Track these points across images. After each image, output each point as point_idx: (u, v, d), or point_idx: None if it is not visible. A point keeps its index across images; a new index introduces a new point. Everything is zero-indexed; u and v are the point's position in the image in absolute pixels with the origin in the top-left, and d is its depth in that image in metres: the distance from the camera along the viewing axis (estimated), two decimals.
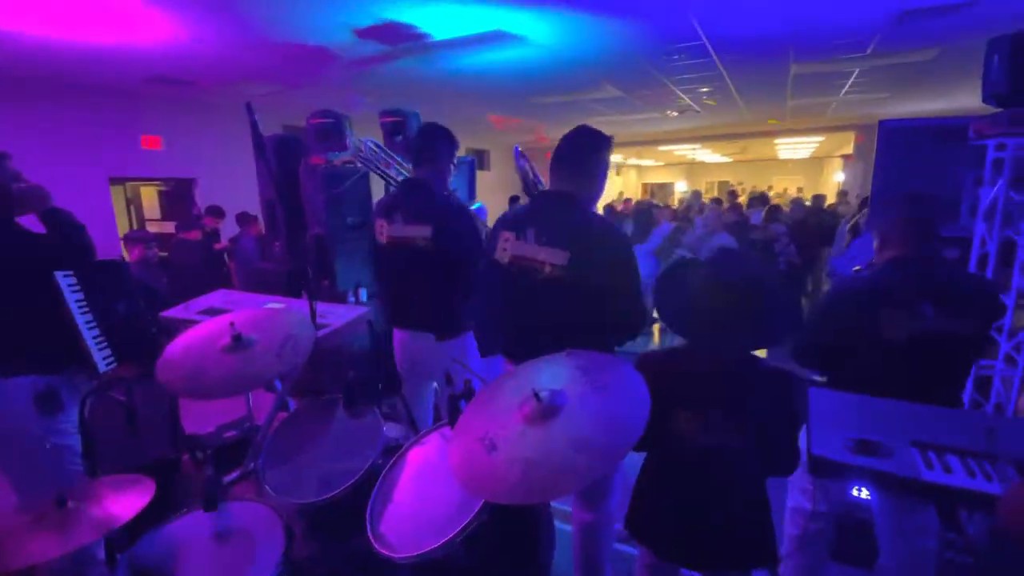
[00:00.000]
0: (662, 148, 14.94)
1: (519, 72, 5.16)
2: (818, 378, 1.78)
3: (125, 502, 1.15)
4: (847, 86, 6.32)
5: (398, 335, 2.15)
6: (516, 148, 2.20)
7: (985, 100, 2.17)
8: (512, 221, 1.65)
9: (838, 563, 2.14)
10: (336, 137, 3.60)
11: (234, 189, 6.93)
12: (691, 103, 7.47)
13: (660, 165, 21.23)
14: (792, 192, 15.98)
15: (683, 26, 3.88)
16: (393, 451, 1.43)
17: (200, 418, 2.90)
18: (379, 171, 2.90)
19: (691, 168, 21.20)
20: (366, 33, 3.85)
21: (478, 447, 0.93)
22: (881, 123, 2.53)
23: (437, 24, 3.69)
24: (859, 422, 1.24)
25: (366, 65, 4.68)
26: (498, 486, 0.84)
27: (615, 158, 17.88)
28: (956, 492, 1.02)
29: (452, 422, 1.19)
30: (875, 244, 1.66)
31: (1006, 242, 2.27)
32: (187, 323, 2.36)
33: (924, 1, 3.46)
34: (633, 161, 19.69)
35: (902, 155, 2.45)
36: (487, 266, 1.70)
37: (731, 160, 19.07)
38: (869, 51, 4.69)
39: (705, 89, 6.41)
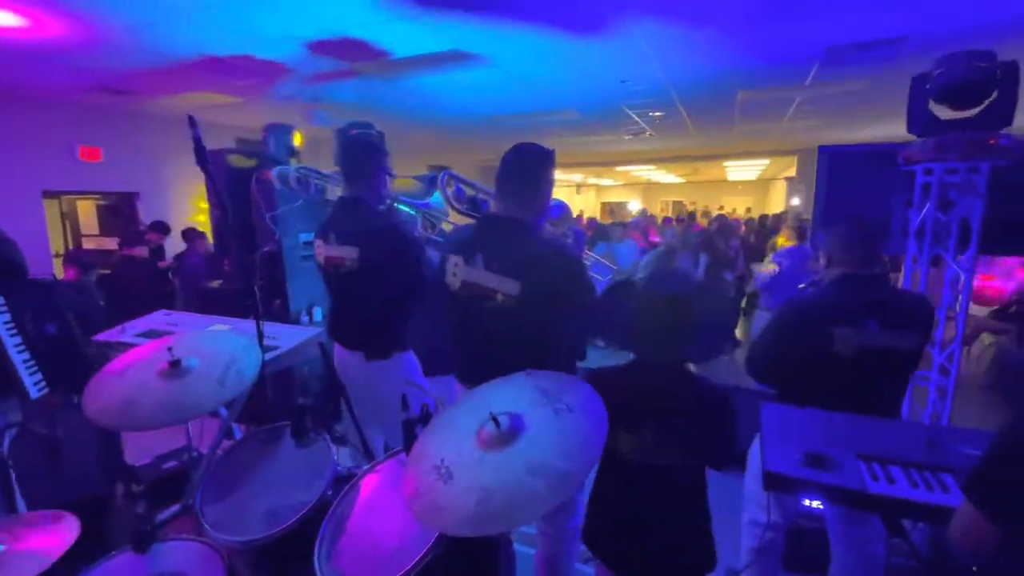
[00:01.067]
0: (620, 169, 15.42)
1: (481, 91, 5.21)
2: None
3: (46, 542, 1.04)
4: (789, 113, 6.72)
5: (336, 352, 2.08)
6: (443, 175, 2.10)
7: (909, 130, 2.35)
8: (459, 244, 1.61)
9: (791, 572, 2.19)
10: (287, 150, 3.52)
11: (180, 204, 6.63)
12: (645, 126, 7.74)
13: (619, 185, 21.96)
14: (741, 211, 16.74)
15: (638, 55, 4.03)
16: (345, 481, 1.36)
17: (139, 448, 2.70)
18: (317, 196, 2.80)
19: (647, 188, 22.01)
20: (320, 48, 3.80)
21: (433, 476, 0.89)
22: (820, 148, 2.68)
23: (395, 42, 3.69)
24: (808, 436, 1.27)
25: (323, 79, 4.62)
26: (453, 517, 0.80)
27: (576, 177, 18.46)
28: (900, 503, 1.06)
29: (407, 448, 1.14)
30: (822, 262, 1.75)
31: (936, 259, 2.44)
32: (123, 347, 2.20)
33: (854, 38, 3.74)
34: (593, 180, 20.27)
35: (840, 178, 2.60)
36: (437, 289, 1.66)
37: (684, 181, 19.90)
38: (808, 81, 5.01)
39: (658, 113, 6.66)
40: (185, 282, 5.06)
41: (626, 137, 8.99)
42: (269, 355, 1.83)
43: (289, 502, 1.32)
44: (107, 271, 4.68)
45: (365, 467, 1.41)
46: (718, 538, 1.33)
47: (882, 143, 2.72)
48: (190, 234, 5.35)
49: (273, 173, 2.53)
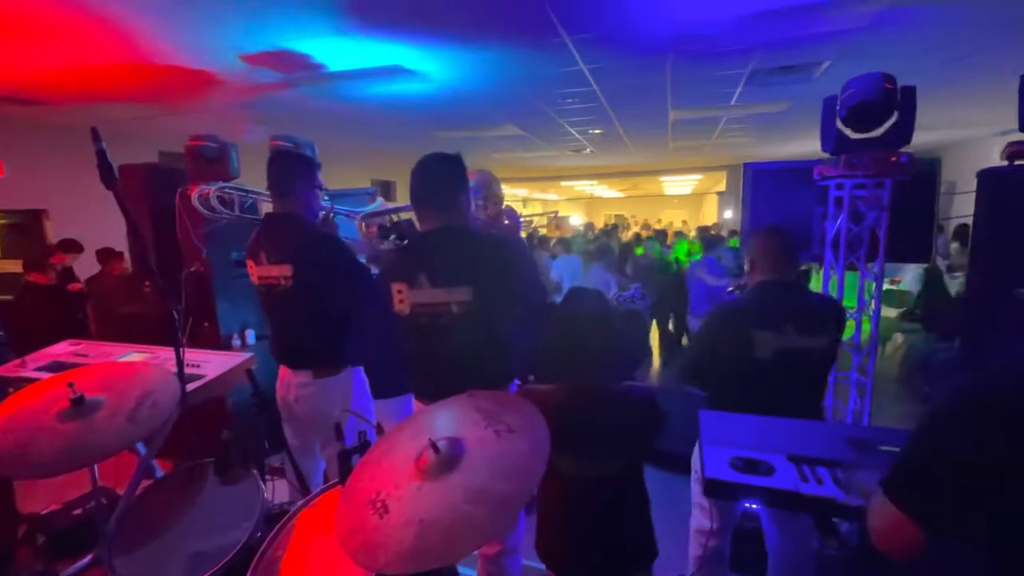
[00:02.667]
0: (564, 184, 15.80)
1: (421, 106, 5.18)
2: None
3: None
4: (718, 131, 7.14)
5: (281, 374, 1.97)
6: (360, 220, 2.00)
7: (823, 149, 2.55)
8: (397, 271, 1.58)
9: (737, 574, 2.26)
10: (220, 164, 3.32)
11: (95, 222, 6.10)
12: (585, 143, 7.98)
13: (563, 199, 22.48)
14: (678, 223, 17.55)
15: (573, 71, 4.15)
16: (278, 518, 1.27)
17: (45, 492, 2.42)
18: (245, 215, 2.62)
19: (591, 202, 22.68)
20: (255, 59, 3.65)
21: (368, 510, 0.84)
22: (746, 165, 2.86)
23: (331, 55, 3.60)
24: (743, 440, 1.32)
25: (257, 92, 4.43)
26: (389, 555, 0.75)
27: (521, 191, 18.74)
28: (829, 502, 1.12)
29: (343, 480, 1.08)
30: (747, 269, 1.86)
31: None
32: (23, 382, 1.97)
33: (774, 63, 4.03)
34: (538, 195, 20.65)
35: (764, 192, 2.78)
36: (385, 317, 1.62)
37: (625, 195, 20.68)
38: (733, 102, 5.35)
39: (597, 131, 6.89)
40: (98, 307, 4.64)
41: (568, 153, 9.22)
42: (192, 385, 1.69)
43: (214, 546, 1.21)
44: (8, 297, 4.22)
45: (300, 502, 1.32)
46: (671, 540, 1.39)
47: (802, 160, 2.93)
48: (104, 254, 4.94)
49: (194, 195, 2.37)
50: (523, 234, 2.10)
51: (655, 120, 6.32)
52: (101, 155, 1.20)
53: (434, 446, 0.88)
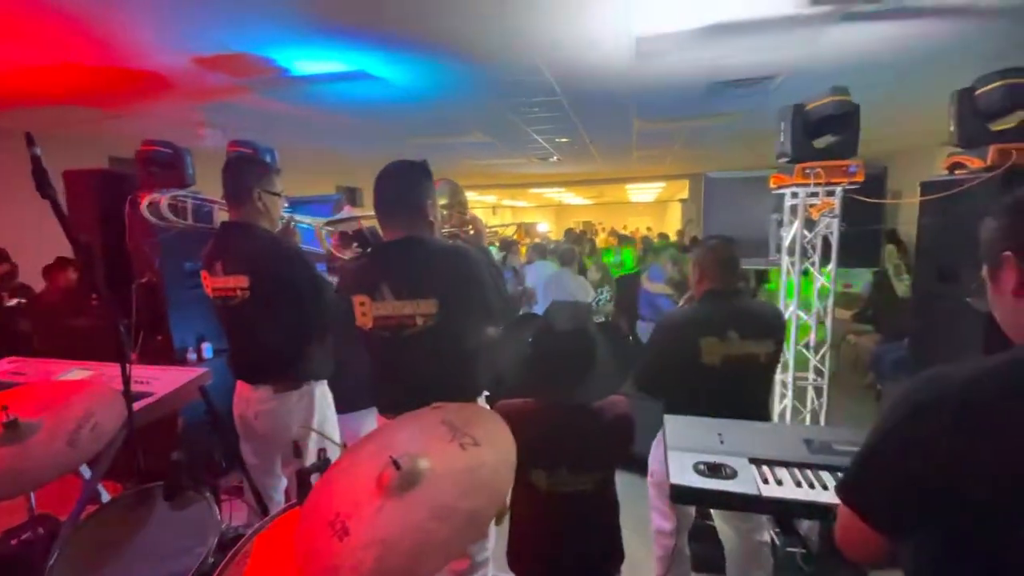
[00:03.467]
0: (532, 191, 15.93)
1: (387, 112, 5.12)
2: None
3: None
4: (680, 141, 7.34)
5: (239, 391, 1.90)
6: (324, 230, 1.96)
7: (778, 158, 2.65)
8: (358, 283, 1.54)
9: (700, 573, 2.30)
10: (174, 170, 3.19)
11: (40, 231, 5.75)
12: (552, 151, 8.06)
13: (532, 206, 22.66)
14: (643, 230, 17.93)
15: (538, 81, 4.20)
16: (234, 542, 1.21)
17: None
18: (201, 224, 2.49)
19: (559, 209, 22.93)
20: (210, 63, 3.53)
21: (327, 533, 0.81)
22: (706, 175, 2.94)
23: (292, 59, 3.53)
24: (705, 444, 1.34)
25: (214, 96, 4.29)
26: None
27: (490, 198, 18.78)
28: (789, 503, 1.15)
29: (301, 501, 1.04)
30: (695, 279, 1.92)
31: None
32: None
33: (732, 76, 4.18)
34: (508, 202, 20.74)
35: (723, 201, 2.87)
36: (347, 330, 1.58)
37: (592, 203, 21.01)
38: (694, 114, 5.51)
39: (563, 139, 6.97)
40: (41, 321, 4.37)
41: (535, 160, 9.30)
42: (140, 404, 1.60)
43: (164, 574, 1.14)
44: None
45: (257, 525, 1.26)
46: (637, 540, 1.40)
47: (758, 170, 3.04)
48: (50, 265, 4.67)
49: (143, 203, 2.27)
50: (490, 243, 2.09)
51: (620, 130, 6.44)
52: (36, 161, 1.13)
53: (395, 463, 0.86)
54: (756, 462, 1.27)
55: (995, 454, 0.66)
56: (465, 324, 1.49)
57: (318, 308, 1.75)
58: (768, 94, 4.56)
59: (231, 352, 1.90)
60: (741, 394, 1.81)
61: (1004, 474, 0.65)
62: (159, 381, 1.83)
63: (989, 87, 2.01)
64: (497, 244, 6.68)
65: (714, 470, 1.23)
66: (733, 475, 1.22)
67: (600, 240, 13.10)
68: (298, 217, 1.98)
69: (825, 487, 1.17)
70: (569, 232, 10.88)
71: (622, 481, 1.40)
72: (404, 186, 1.53)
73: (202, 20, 2.84)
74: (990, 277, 0.81)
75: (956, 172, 2.29)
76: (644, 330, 4.93)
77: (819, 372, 2.76)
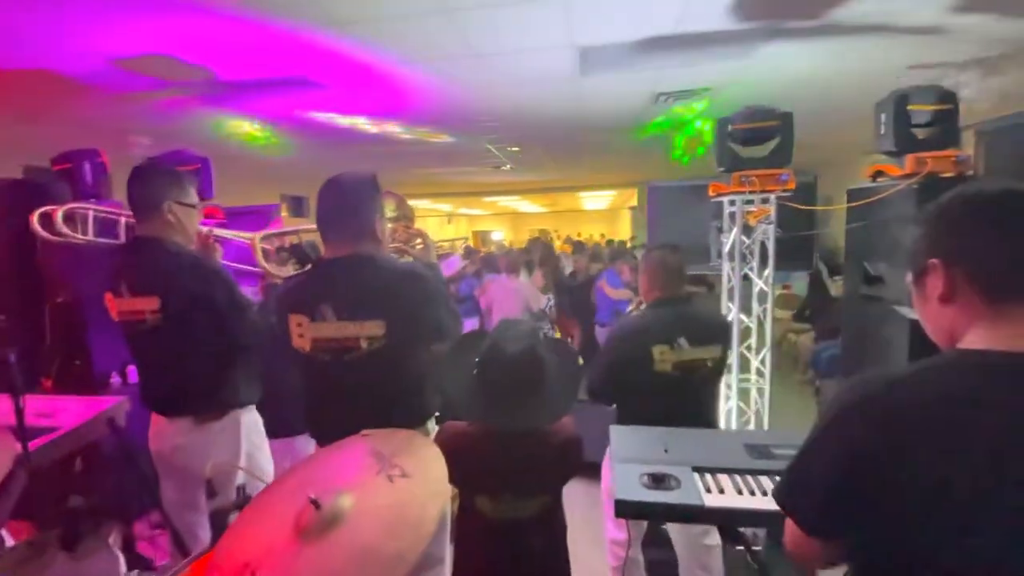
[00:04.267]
0: (487, 199, 15.91)
1: (330, 119, 4.97)
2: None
3: None
4: (628, 150, 7.52)
5: (154, 423, 1.74)
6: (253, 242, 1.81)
7: (717, 167, 2.74)
8: (295, 301, 1.43)
9: None
10: (91, 182, 2.96)
11: None
12: (505, 160, 8.08)
13: (488, 214, 22.67)
14: (596, 237, 18.28)
15: (491, 92, 4.18)
16: None
17: None
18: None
19: (515, 217, 23.06)
20: (133, 65, 3.30)
21: None
22: (648, 184, 3.00)
23: (223, 62, 3.35)
24: (650, 454, 1.33)
25: (140, 101, 4.02)
26: None
27: (445, 207, 18.62)
28: (733, 512, 1.15)
29: (212, 547, 0.94)
30: (645, 286, 1.94)
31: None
32: None
33: (671, 88, 4.31)
34: (463, 211, 20.66)
35: (667, 209, 2.94)
36: (278, 352, 1.47)
37: (547, 210, 21.26)
38: (639, 123, 5.65)
39: (515, 148, 7.00)
40: None
41: (488, 169, 9.29)
42: (39, 440, 1.43)
43: None
44: None
45: (175, 567, 1.14)
46: (589, 545, 1.36)
47: (700, 178, 3.13)
48: None
49: (33, 218, 2.06)
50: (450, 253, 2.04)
51: (569, 139, 6.53)
52: None
53: (315, 503, 0.79)
54: (700, 470, 1.27)
55: (918, 458, 0.67)
56: (414, 347, 1.41)
57: (240, 329, 1.62)
58: (708, 106, 4.73)
59: (142, 382, 1.73)
60: (691, 400, 1.85)
61: (927, 479, 0.66)
62: (65, 413, 1.65)
63: (924, 107, 2.16)
64: (461, 252, 6.63)
65: (659, 481, 1.21)
66: (677, 486, 1.21)
67: (557, 248, 13.24)
68: (218, 232, 1.83)
69: (765, 493, 1.18)
70: (535, 240, 10.91)
71: (578, 489, 1.37)
72: (351, 200, 1.43)
73: (121, 20, 2.65)
74: (916, 284, 0.82)
75: (878, 180, 2.42)
76: (604, 336, 5.00)
77: (760, 374, 2.86)
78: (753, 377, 2.87)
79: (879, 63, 3.53)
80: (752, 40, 3.11)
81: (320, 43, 3.09)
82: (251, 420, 1.75)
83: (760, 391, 2.86)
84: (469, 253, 6.95)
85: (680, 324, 1.81)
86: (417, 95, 4.24)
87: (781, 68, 3.77)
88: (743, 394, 2.94)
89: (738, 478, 1.24)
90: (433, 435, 1.38)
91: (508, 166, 8.85)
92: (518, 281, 5.50)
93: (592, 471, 2.48)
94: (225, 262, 1.78)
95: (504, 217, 23.11)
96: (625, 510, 1.18)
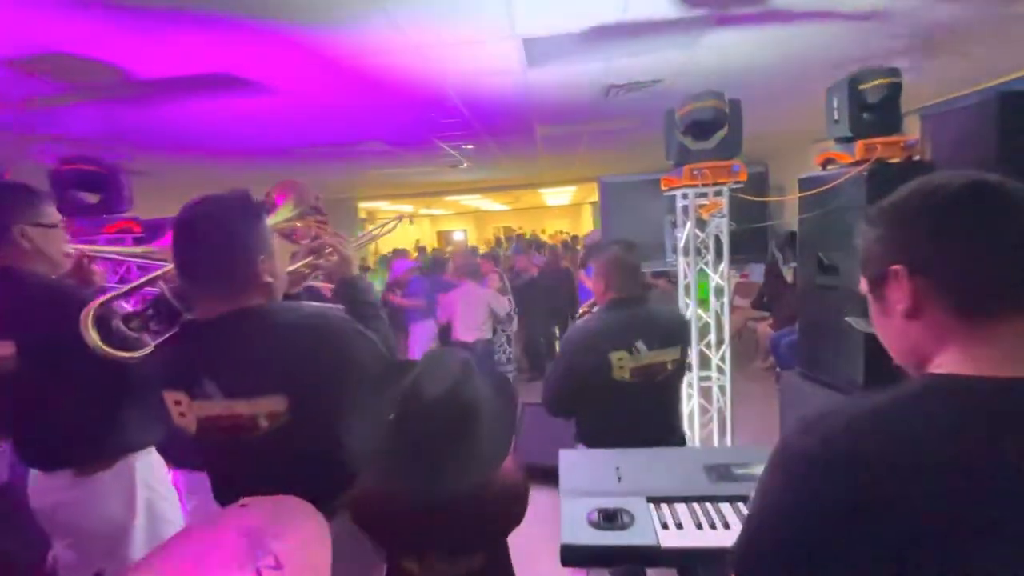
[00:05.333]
0: (449, 198, 15.62)
1: (268, 120, 4.66)
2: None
3: None
4: (584, 146, 7.45)
5: (31, 481, 1.49)
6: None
7: (667, 159, 2.64)
8: (170, 375, 1.15)
9: None
10: None
11: None
12: (460, 158, 7.88)
13: (451, 214, 22.37)
14: (561, 234, 18.29)
15: (435, 89, 3.99)
16: None
17: None
18: None
19: (478, 216, 22.85)
20: (30, 66, 2.96)
21: None
22: (599, 179, 2.89)
23: (137, 60, 3.04)
24: (602, 484, 1.20)
25: (41, 105, 3.64)
26: None
27: (407, 207, 18.17)
28: (690, 553, 1.02)
29: None
30: (600, 287, 1.81)
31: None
32: None
33: (622, 80, 4.22)
34: (425, 211, 20.28)
35: (619, 205, 2.83)
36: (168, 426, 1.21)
37: (510, 208, 21.15)
38: (593, 118, 5.57)
39: (469, 146, 6.82)
40: None
41: (445, 168, 9.06)
42: None
43: None
44: None
45: None
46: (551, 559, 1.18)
47: (652, 172, 3.03)
48: None
49: None
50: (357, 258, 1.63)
51: (523, 135, 6.39)
52: None
53: None
54: (655, 501, 1.14)
55: (893, 513, 0.54)
56: (329, 417, 1.07)
57: (113, 370, 1.36)
58: (659, 96, 4.67)
59: (13, 436, 1.48)
60: (653, 407, 1.76)
61: (904, 540, 0.53)
62: None
63: (874, 84, 2.09)
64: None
65: (610, 519, 1.07)
66: (630, 522, 1.07)
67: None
68: (93, 251, 1.54)
69: (728, 526, 1.05)
70: (520, 238, 10.72)
71: (544, 500, 1.19)
72: (221, 239, 1.10)
73: (9, 14, 2.33)
74: (874, 294, 0.70)
75: (828, 167, 2.37)
76: None
77: (721, 370, 2.79)
78: (714, 374, 2.80)
79: (824, 50, 3.53)
80: (698, 27, 3.04)
81: (244, 37, 2.83)
82: (148, 465, 1.50)
83: (722, 388, 2.80)
84: (420, 252, 6.77)
85: (637, 327, 1.71)
86: (355, 89, 4.00)
87: (729, 57, 3.73)
88: (704, 392, 2.87)
89: (697, 508, 1.12)
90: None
91: (465, 164, 8.65)
92: (479, 287, 5.31)
93: (547, 476, 2.36)
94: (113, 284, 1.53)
95: (467, 216, 22.90)
96: (572, 557, 1.04)
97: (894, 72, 2.14)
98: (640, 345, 1.67)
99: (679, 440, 1.81)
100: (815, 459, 0.59)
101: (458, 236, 21.43)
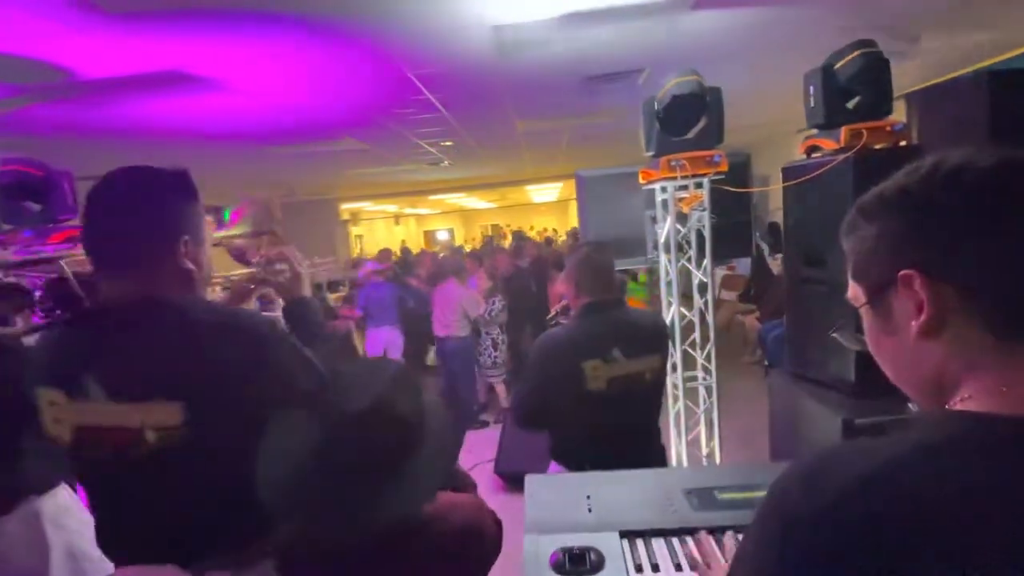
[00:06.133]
0: (433, 197, 15.41)
1: (231, 120, 4.47)
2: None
3: None
4: (566, 141, 7.32)
5: None
6: None
7: (646, 151, 2.51)
8: (48, 369, 0.98)
9: None
10: None
11: None
12: (441, 156, 7.71)
13: (437, 213, 22.17)
14: (548, 231, 18.22)
15: (405, 83, 3.83)
16: None
17: None
18: None
19: (465, 214, 22.68)
20: None
21: None
22: (576, 173, 2.75)
23: (82, 59, 2.85)
24: (570, 517, 1.05)
25: None
26: None
27: (391, 207, 17.93)
28: None
29: None
30: (572, 292, 1.68)
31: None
32: None
33: (601, 71, 4.09)
34: (410, 211, 20.05)
35: (598, 199, 2.69)
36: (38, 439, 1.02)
37: (497, 206, 21.03)
38: (573, 111, 5.43)
39: (448, 143, 6.64)
40: None
41: (425, 166, 8.88)
42: None
43: None
44: None
45: None
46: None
47: (631, 165, 2.90)
48: None
49: None
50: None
51: (503, 130, 6.24)
52: None
53: None
54: (629, 536, 1.01)
55: None
56: (233, 439, 0.89)
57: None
58: (638, 89, 4.55)
59: None
60: (630, 419, 1.63)
61: None
62: None
63: (847, 59, 1.97)
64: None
65: (575, 561, 0.93)
66: (599, 565, 0.93)
67: (506, 243, 12.98)
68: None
69: (708, 565, 0.92)
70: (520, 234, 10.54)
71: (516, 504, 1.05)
72: (134, 209, 0.97)
73: None
74: (874, 306, 0.56)
75: (812, 155, 2.26)
76: None
77: (707, 370, 2.67)
78: (700, 374, 2.68)
79: (805, 36, 3.42)
80: (674, 13, 2.91)
81: (190, 28, 2.65)
82: (59, 506, 1.33)
83: (708, 389, 2.68)
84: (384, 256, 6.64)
85: (613, 333, 1.58)
86: (319, 83, 3.82)
87: (709, 45, 3.61)
88: (690, 393, 2.75)
89: (676, 544, 0.98)
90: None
91: (446, 162, 8.48)
92: (458, 286, 5.21)
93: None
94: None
95: (454, 215, 22.73)
96: None
97: (867, 43, 2.01)
98: (616, 353, 1.55)
99: (659, 454, 1.69)
100: (821, 523, 0.45)
101: (442, 236, 21.24)
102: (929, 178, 0.51)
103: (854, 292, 0.59)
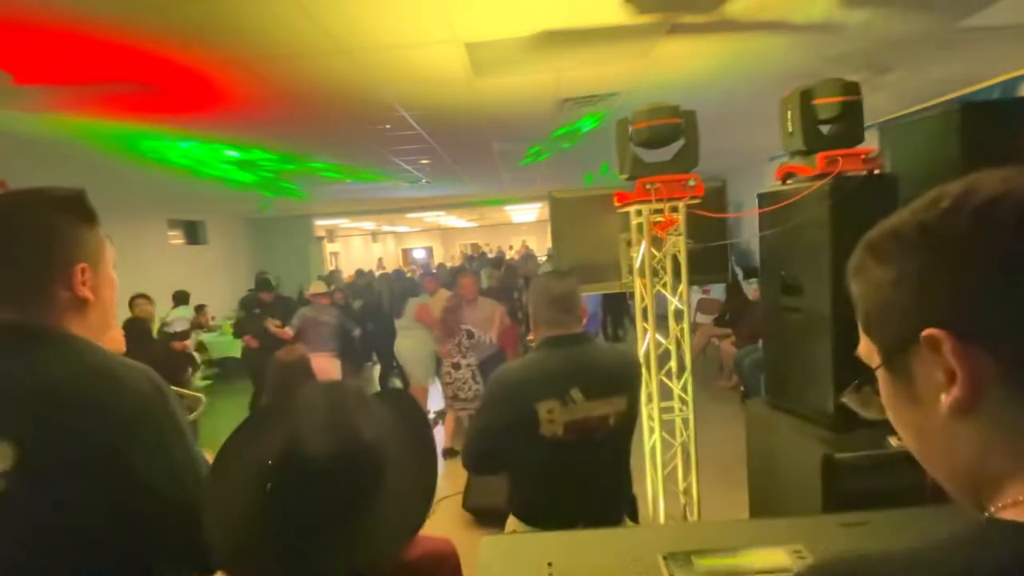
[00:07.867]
0: (412, 215, 15.27)
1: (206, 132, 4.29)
2: None
3: None
4: (545, 161, 7.31)
5: None
6: None
7: (620, 174, 2.44)
8: None
9: None
10: None
11: None
12: (419, 175, 7.62)
13: (416, 231, 22.03)
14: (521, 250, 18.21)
15: (371, 96, 3.73)
16: None
17: None
18: None
19: (444, 233, 22.57)
20: None
21: None
22: (550, 195, 2.66)
23: (32, 63, 2.67)
24: None
25: None
26: None
27: (368, 225, 17.71)
28: None
29: None
30: (532, 323, 1.54)
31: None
32: None
33: (576, 93, 4.07)
34: (388, 228, 19.87)
35: (572, 223, 2.61)
36: None
37: (476, 225, 21.01)
38: (547, 135, 5.41)
39: (425, 161, 6.56)
40: None
41: (404, 184, 8.77)
42: None
43: None
44: None
45: None
46: None
47: (607, 187, 2.84)
48: None
49: None
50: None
51: (480, 150, 6.19)
52: None
53: None
54: None
55: None
56: (65, 495, 0.78)
57: None
58: (614, 111, 4.55)
59: None
60: (592, 469, 1.45)
61: None
62: None
63: (828, 100, 1.95)
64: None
65: None
66: None
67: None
68: None
69: None
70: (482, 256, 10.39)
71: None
72: (17, 236, 0.88)
73: None
74: (892, 370, 0.45)
75: (788, 182, 2.22)
76: None
77: (684, 401, 2.57)
78: (676, 405, 2.57)
79: (780, 63, 3.46)
80: (650, 37, 2.90)
81: (149, 45, 2.51)
82: None
83: (685, 421, 2.57)
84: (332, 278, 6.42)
85: (573, 371, 1.41)
86: (281, 101, 3.69)
87: (684, 70, 3.62)
88: (666, 425, 2.64)
89: None
90: None
91: (425, 180, 8.38)
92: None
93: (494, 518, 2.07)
94: None
95: (433, 233, 22.61)
96: None
97: (851, 89, 2.00)
98: (575, 394, 1.38)
99: (630, 506, 1.54)
100: None
101: (419, 254, 21.10)
102: (955, 211, 0.40)
103: (866, 349, 0.47)
